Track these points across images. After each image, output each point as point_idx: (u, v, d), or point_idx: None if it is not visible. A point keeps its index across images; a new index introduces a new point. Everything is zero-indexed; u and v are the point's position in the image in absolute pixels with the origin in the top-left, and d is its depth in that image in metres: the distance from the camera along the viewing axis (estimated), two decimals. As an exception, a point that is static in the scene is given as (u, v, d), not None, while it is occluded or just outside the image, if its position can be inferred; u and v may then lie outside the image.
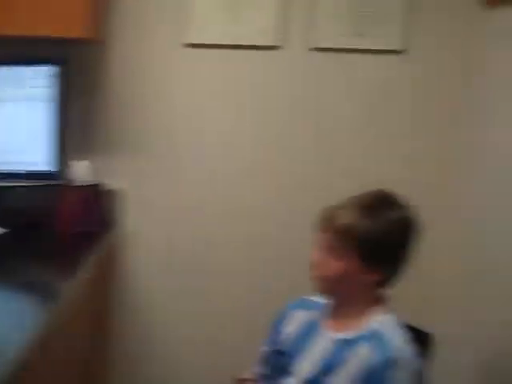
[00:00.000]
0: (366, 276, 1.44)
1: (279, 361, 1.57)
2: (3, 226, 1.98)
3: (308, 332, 1.54)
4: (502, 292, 1.80)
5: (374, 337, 1.42)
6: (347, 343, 1.44)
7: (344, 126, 2.20)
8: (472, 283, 1.99)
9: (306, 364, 1.48)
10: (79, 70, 2.09)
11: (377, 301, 1.50)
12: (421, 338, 1.55)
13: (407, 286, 2.07)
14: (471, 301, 1.98)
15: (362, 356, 1.40)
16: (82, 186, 2.05)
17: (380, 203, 1.46)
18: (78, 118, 2.11)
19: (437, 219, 2.06)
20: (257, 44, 2.17)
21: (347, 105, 2.19)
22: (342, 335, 1.47)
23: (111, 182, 2.16)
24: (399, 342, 1.40)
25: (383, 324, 1.45)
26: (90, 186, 2.08)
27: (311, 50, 2.17)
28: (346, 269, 1.43)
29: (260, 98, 2.20)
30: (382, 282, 1.48)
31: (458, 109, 2.16)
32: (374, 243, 1.42)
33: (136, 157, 2.18)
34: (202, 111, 2.19)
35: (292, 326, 1.59)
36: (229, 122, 2.20)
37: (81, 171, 2.06)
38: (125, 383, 2.26)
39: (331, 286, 1.48)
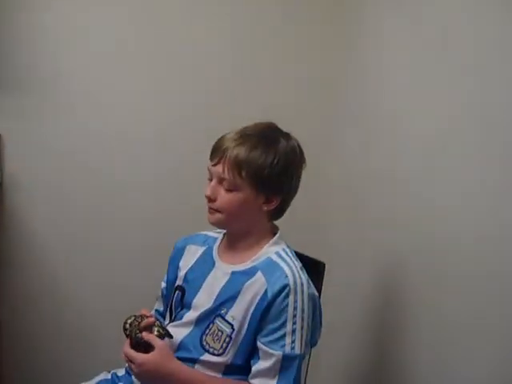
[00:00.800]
0: (263, 205, 1.47)
1: (178, 296, 1.57)
2: None
3: (204, 266, 1.55)
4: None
5: (269, 266, 1.45)
6: (243, 274, 1.46)
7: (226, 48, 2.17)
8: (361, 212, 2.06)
9: (204, 297, 1.50)
10: None
11: (270, 232, 1.54)
12: (313, 267, 1.59)
13: (300, 216, 2.14)
14: (362, 231, 2.05)
15: (258, 286, 1.42)
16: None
17: (270, 135, 1.48)
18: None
19: (320, 145, 2.13)
20: None
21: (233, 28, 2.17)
22: (237, 267, 1.49)
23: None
24: (293, 270, 1.43)
25: (277, 254, 1.48)
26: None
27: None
28: (242, 200, 1.44)
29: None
30: (276, 212, 1.51)
31: (341, 33, 2.17)
32: (267, 174, 1.43)
33: (15, 97, 2.03)
34: (75, 45, 2.06)
35: (188, 261, 1.60)
36: (113, 52, 2.09)
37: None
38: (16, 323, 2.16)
39: (227, 217, 1.48)
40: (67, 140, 2.09)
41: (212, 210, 1.48)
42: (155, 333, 1.42)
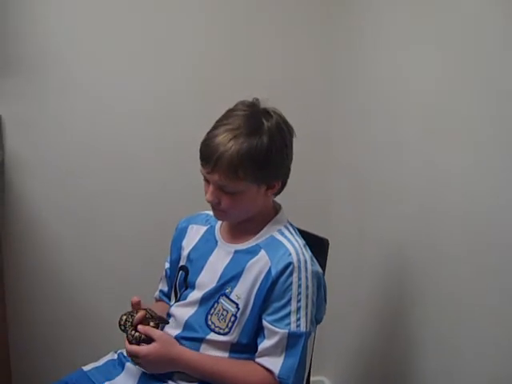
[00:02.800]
0: (266, 192, 1.46)
1: (182, 276, 1.57)
2: None
3: (207, 245, 1.55)
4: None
5: (273, 245, 1.45)
6: (246, 253, 1.46)
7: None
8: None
9: (208, 276, 1.50)
10: None
11: (272, 209, 1.54)
12: (317, 244, 1.59)
13: (304, 194, 2.12)
14: (363, 207, 2.04)
15: (262, 264, 1.42)
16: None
17: (253, 123, 1.41)
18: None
19: (308, 118, 2.12)
20: None
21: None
22: (240, 246, 1.49)
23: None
24: (297, 248, 1.43)
25: (280, 232, 1.48)
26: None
27: None
28: (246, 197, 1.42)
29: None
30: (279, 190, 1.50)
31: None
32: (263, 167, 1.40)
33: (15, 77, 2.00)
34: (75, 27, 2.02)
35: (191, 241, 1.60)
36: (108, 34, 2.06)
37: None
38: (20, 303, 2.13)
39: (235, 215, 1.48)
40: (68, 119, 2.06)
41: (218, 212, 1.47)
42: (151, 325, 1.42)
